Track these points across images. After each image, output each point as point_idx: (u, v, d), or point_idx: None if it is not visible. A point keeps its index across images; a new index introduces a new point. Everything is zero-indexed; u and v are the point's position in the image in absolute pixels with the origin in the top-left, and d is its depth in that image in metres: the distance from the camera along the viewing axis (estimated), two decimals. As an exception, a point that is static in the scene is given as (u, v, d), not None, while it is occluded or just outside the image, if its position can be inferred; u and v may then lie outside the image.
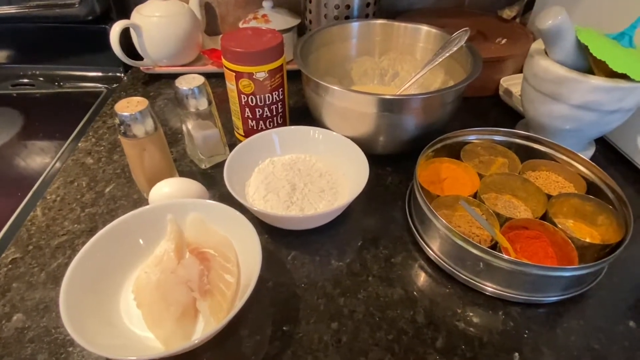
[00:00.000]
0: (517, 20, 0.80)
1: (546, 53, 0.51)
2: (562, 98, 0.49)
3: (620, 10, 0.54)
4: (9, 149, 0.63)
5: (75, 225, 0.48)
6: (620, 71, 0.45)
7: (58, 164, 0.58)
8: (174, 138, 0.61)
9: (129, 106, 0.44)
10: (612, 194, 0.44)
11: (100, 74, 0.79)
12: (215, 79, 0.71)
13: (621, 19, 0.49)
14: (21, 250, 0.45)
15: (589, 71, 0.49)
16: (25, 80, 0.78)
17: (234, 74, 0.51)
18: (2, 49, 0.78)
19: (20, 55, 0.79)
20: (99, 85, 0.78)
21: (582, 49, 0.48)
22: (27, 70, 0.79)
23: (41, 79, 0.78)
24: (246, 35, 0.52)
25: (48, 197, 0.51)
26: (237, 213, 0.41)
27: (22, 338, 0.37)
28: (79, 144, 0.60)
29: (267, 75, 0.51)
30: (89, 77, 0.79)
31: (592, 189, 0.46)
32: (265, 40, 0.51)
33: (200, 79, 0.50)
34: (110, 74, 0.79)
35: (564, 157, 0.49)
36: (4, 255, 0.44)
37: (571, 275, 0.38)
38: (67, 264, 0.36)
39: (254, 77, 0.51)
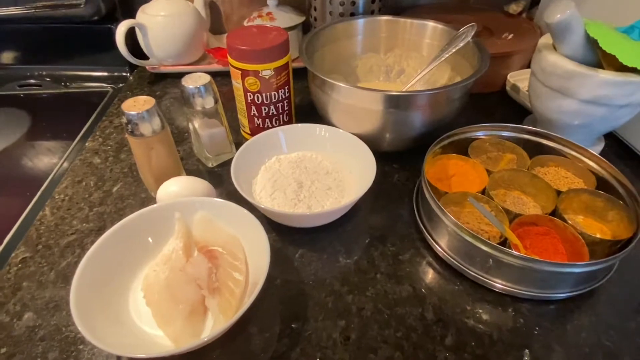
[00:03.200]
0: (524, 15, 0.79)
1: (554, 47, 0.51)
2: (570, 93, 0.49)
3: (630, 2, 0.53)
4: (16, 149, 0.64)
5: (84, 225, 0.48)
6: (630, 65, 0.44)
7: (66, 164, 0.59)
8: (180, 137, 0.61)
9: (136, 105, 0.44)
10: (622, 189, 0.44)
11: (106, 73, 0.79)
12: (220, 78, 0.71)
13: (631, 12, 0.49)
14: (31, 250, 0.45)
15: (599, 65, 0.48)
16: (32, 81, 0.78)
17: (240, 72, 0.51)
18: (9, 49, 0.79)
19: (27, 56, 0.80)
20: (105, 85, 0.78)
21: (591, 43, 0.48)
22: (33, 70, 0.79)
23: (48, 79, 0.79)
24: (252, 33, 0.52)
25: (56, 197, 0.51)
26: (245, 211, 0.41)
27: (33, 336, 0.37)
28: (87, 144, 0.60)
29: (272, 73, 0.51)
30: (95, 77, 0.79)
31: (602, 184, 0.46)
32: (271, 38, 0.51)
33: (207, 78, 0.50)
34: (116, 73, 0.79)
35: (573, 153, 0.49)
36: (14, 254, 0.44)
37: (582, 272, 0.37)
38: (76, 263, 0.37)
39: (259, 75, 0.51)
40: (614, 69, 0.47)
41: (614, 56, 0.44)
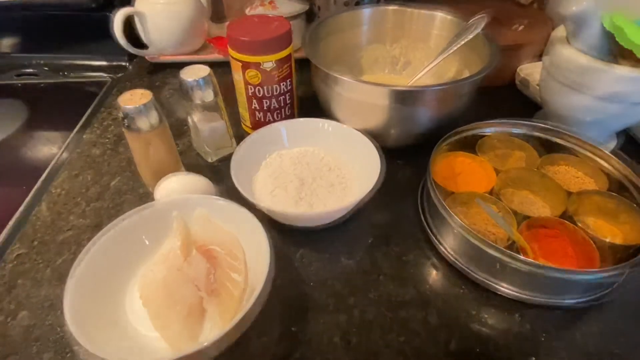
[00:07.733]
0: (535, 5, 0.76)
1: (568, 41, 0.48)
2: (584, 89, 0.47)
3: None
4: (14, 140, 0.63)
5: (81, 220, 0.47)
6: (649, 60, 0.42)
7: (63, 156, 0.57)
8: (180, 130, 0.60)
9: (133, 98, 0.43)
10: (635, 190, 0.42)
11: (105, 63, 0.78)
12: (221, 68, 0.69)
13: (651, 4, 0.46)
14: (26, 246, 0.44)
15: (615, 61, 0.46)
16: (30, 70, 0.77)
17: (241, 64, 0.49)
18: (5, 38, 0.77)
19: (25, 45, 0.78)
20: (104, 74, 0.76)
21: (608, 36, 0.45)
22: (31, 59, 0.78)
23: (46, 68, 0.77)
24: (253, 23, 0.50)
25: (53, 191, 0.50)
26: (244, 210, 0.40)
27: (28, 336, 0.37)
28: (84, 136, 0.59)
29: (274, 65, 0.49)
30: (93, 67, 0.77)
31: (615, 185, 0.44)
32: (273, 29, 0.49)
33: (206, 70, 0.48)
34: (115, 63, 0.77)
35: (585, 152, 0.47)
36: (9, 250, 0.44)
37: (592, 279, 0.36)
38: (72, 260, 0.36)
39: (261, 67, 0.49)
40: (632, 65, 0.45)
41: (632, 51, 0.42)
